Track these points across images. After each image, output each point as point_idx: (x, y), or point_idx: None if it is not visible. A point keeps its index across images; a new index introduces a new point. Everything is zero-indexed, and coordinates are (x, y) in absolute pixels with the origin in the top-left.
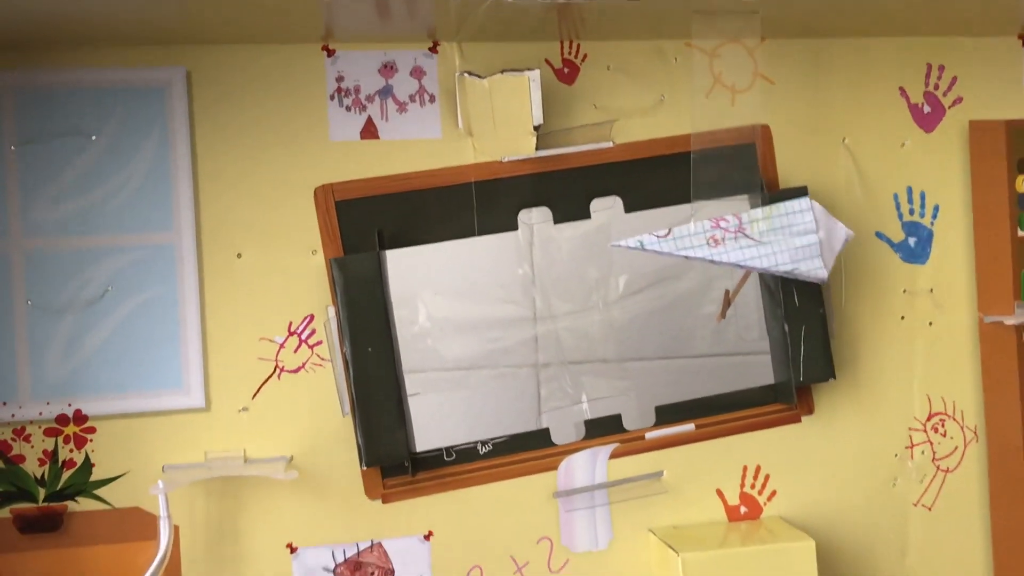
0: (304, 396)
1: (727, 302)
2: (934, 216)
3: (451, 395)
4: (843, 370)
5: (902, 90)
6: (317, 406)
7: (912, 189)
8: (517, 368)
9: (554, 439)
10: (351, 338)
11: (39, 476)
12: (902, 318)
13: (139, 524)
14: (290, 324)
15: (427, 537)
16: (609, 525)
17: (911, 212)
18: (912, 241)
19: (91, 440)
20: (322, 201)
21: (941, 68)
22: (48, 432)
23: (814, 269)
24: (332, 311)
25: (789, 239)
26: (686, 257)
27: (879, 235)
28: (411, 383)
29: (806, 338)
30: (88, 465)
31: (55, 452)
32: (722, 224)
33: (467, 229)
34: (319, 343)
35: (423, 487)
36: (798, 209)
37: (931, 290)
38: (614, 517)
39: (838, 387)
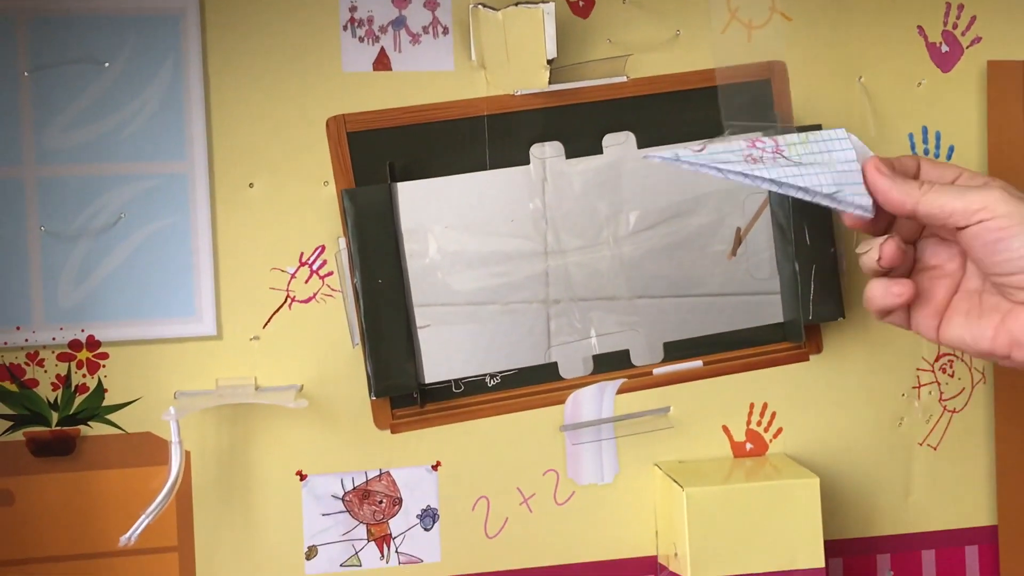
0: (314, 326)
1: (738, 240)
2: (949, 156)
3: (460, 328)
4: (853, 310)
5: (920, 29)
6: (327, 336)
7: (927, 129)
8: (526, 302)
9: (562, 373)
10: (361, 270)
11: (52, 400)
12: None
13: (151, 449)
14: (301, 255)
15: (435, 467)
16: (615, 459)
17: (926, 152)
18: None
19: (104, 366)
20: (334, 132)
21: (960, 7)
22: (61, 357)
23: (858, 196)
24: (343, 242)
25: (830, 163)
26: (722, 172)
27: None
28: (421, 315)
29: (816, 277)
30: (101, 390)
31: (68, 377)
32: (758, 144)
33: (479, 163)
34: (330, 274)
35: (431, 418)
36: (835, 137)
37: None
38: (620, 451)
39: (847, 326)
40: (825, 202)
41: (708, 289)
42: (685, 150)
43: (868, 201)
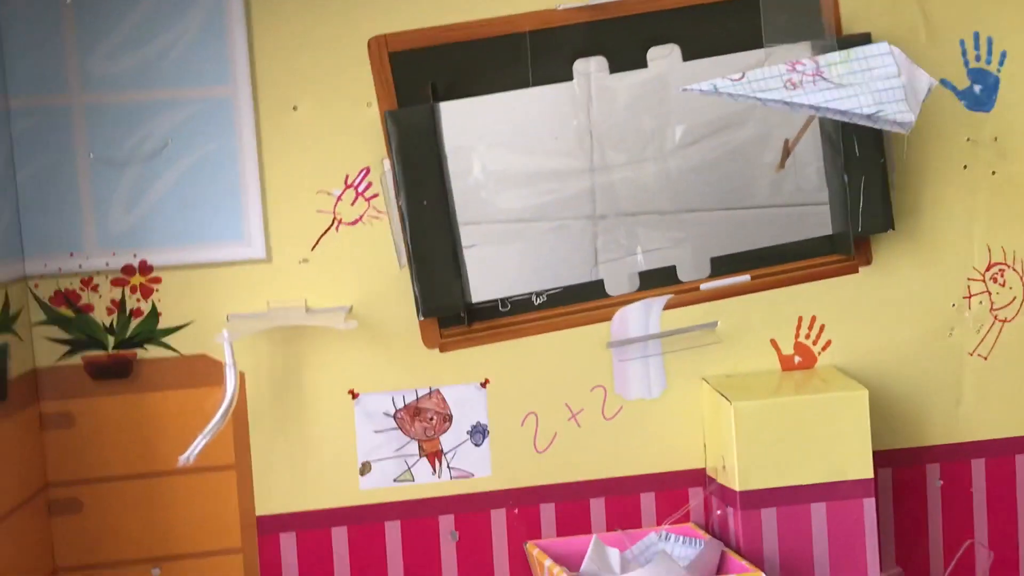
0: (362, 248)
1: (787, 152)
2: (1001, 63)
3: (506, 247)
4: (903, 221)
5: None
6: (375, 258)
7: (979, 35)
8: (572, 220)
9: (608, 291)
10: (406, 191)
11: (108, 325)
12: (964, 167)
13: (206, 371)
14: (347, 177)
15: (483, 384)
16: (662, 374)
17: (977, 59)
18: (977, 88)
19: (157, 290)
20: (376, 53)
21: None
22: (115, 282)
23: (899, 112)
24: (387, 164)
25: (871, 82)
26: (761, 100)
27: (943, 82)
28: (466, 235)
29: (866, 188)
30: (155, 314)
31: (122, 301)
32: (798, 68)
33: (521, 80)
34: (375, 196)
35: (479, 337)
36: (877, 53)
37: (995, 139)
38: (667, 366)
39: (897, 238)
40: (865, 122)
41: (756, 202)
42: (724, 80)
43: (909, 118)
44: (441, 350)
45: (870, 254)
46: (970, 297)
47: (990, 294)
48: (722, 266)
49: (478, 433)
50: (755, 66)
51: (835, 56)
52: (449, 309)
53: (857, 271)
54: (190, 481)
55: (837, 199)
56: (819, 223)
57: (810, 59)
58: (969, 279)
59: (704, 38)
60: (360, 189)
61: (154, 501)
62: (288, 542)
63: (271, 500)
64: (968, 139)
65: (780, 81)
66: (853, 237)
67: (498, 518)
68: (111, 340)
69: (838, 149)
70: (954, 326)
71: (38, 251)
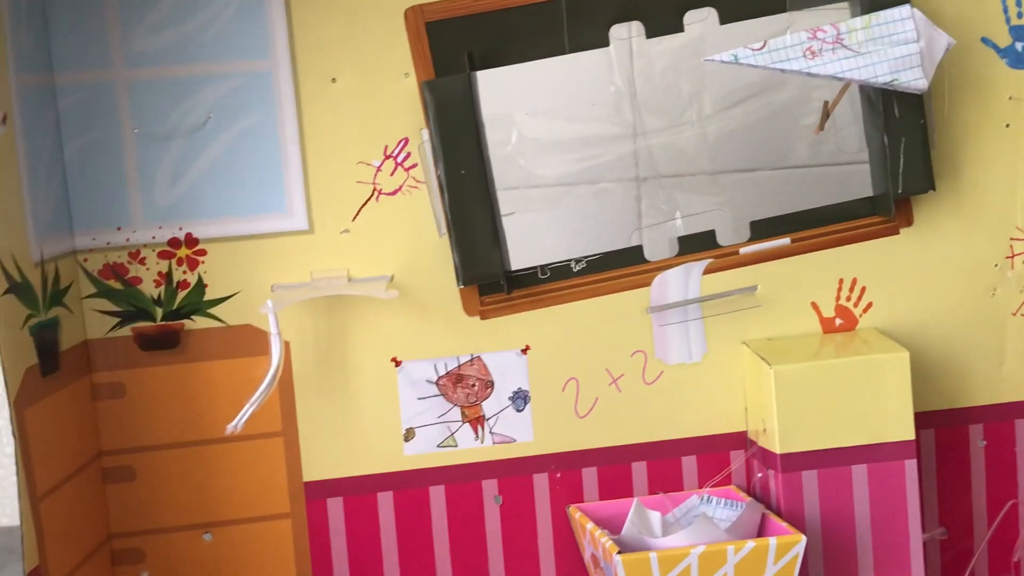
0: (402, 218)
1: (826, 114)
2: None
3: (544, 214)
4: (944, 181)
5: None
6: (414, 227)
7: None
8: (610, 186)
9: (647, 256)
10: (444, 160)
11: (155, 297)
12: (1007, 126)
13: (252, 340)
14: (386, 147)
15: (524, 351)
16: (703, 338)
17: (1019, 15)
18: (1020, 46)
19: (203, 262)
20: (412, 22)
21: None
22: (162, 255)
23: (914, 80)
24: (426, 134)
25: (888, 49)
26: (781, 70)
27: (984, 40)
28: (504, 203)
29: (906, 149)
30: (201, 286)
31: (169, 274)
32: (819, 35)
33: (558, 47)
34: (414, 166)
35: (519, 304)
36: (899, 17)
37: None
38: (707, 331)
39: (938, 198)
40: (883, 87)
41: (796, 165)
42: (744, 50)
43: (924, 84)
44: (481, 317)
45: (911, 215)
46: (1013, 257)
47: None
48: (762, 230)
49: (519, 399)
50: (794, 29)
51: (857, 22)
52: (489, 277)
53: (898, 232)
54: (238, 448)
55: (877, 160)
56: (859, 185)
57: (832, 25)
58: (1012, 239)
59: (742, 0)
60: (399, 159)
61: (204, 468)
62: (335, 507)
63: (318, 466)
64: (1010, 97)
65: (800, 50)
66: (894, 198)
67: (540, 482)
68: (159, 312)
69: (877, 110)
70: (997, 286)
71: (86, 225)
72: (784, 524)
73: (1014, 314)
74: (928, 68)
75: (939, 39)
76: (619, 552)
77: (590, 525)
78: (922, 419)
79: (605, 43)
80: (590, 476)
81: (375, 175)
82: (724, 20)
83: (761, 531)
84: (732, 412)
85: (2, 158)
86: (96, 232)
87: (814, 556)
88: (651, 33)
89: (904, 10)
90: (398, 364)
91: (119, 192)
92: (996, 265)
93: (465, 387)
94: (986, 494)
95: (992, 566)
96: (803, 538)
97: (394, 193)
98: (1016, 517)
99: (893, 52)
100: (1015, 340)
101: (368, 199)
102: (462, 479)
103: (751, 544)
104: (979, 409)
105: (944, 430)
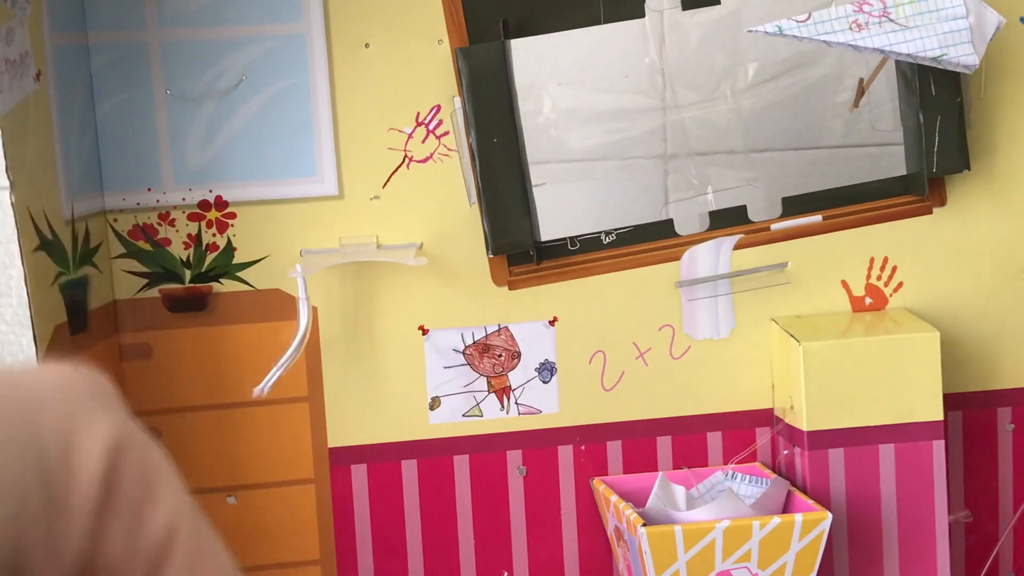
0: (432, 185)
1: (861, 91)
2: None
3: (575, 185)
4: (979, 161)
5: None
6: (445, 195)
7: None
8: (642, 159)
9: (678, 230)
10: (477, 129)
11: (185, 259)
12: None
13: (280, 305)
14: (418, 115)
15: (552, 322)
16: (731, 314)
17: None
18: None
19: (232, 225)
20: None
21: None
22: (191, 217)
23: (964, 56)
24: (458, 102)
25: (937, 24)
26: (826, 43)
27: (1023, 20)
28: (536, 174)
29: (941, 128)
30: (230, 249)
31: (199, 236)
32: (865, 8)
33: (593, 17)
34: (446, 134)
35: (547, 275)
36: None
37: None
38: (736, 306)
39: (972, 178)
40: (930, 63)
41: (829, 142)
42: (788, 22)
43: (974, 61)
44: (510, 288)
45: (944, 195)
46: None
47: None
48: (793, 206)
49: (546, 370)
50: (824, 5)
51: None
52: (518, 246)
53: (931, 212)
54: (264, 412)
55: (912, 139)
56: (893, 163)
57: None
58: None
59: None
60: (431, 127)
61: (229, 432)
62: (359, 474)
63: (343, 432)
64: None
65: (846, 23)
66: (928, 177)
67: (565, 454)
68: (188, 274)
69: (913, 88)
70: None
71: (117, 186)
72: (810, 501)
73: None
74: (979, 45)
75: (989, 16)
76: (644, 525)
77: (614, 498)
78: (950, 401)
79: (640, 14)
80: (615, 449)
81: (406, 142)
82: None
83: (786, 508)
84: (759, 389)
85: (35, 115)
86: (126, 193)
87: (838, 534)
88: (687, 5)
89: None
90: (425, 332)
91: (150, 153)
92: None
93: (492, 357)
94: (1013, 477)
95: (1017, 549)
96: (829, 515)
97: (425, 161)
98: None
99: (942, 27)
100: None
101: (399, 166)
102: (487, 449)
103: (777, 520)
104: (1008, 392)
105: (972, 412)
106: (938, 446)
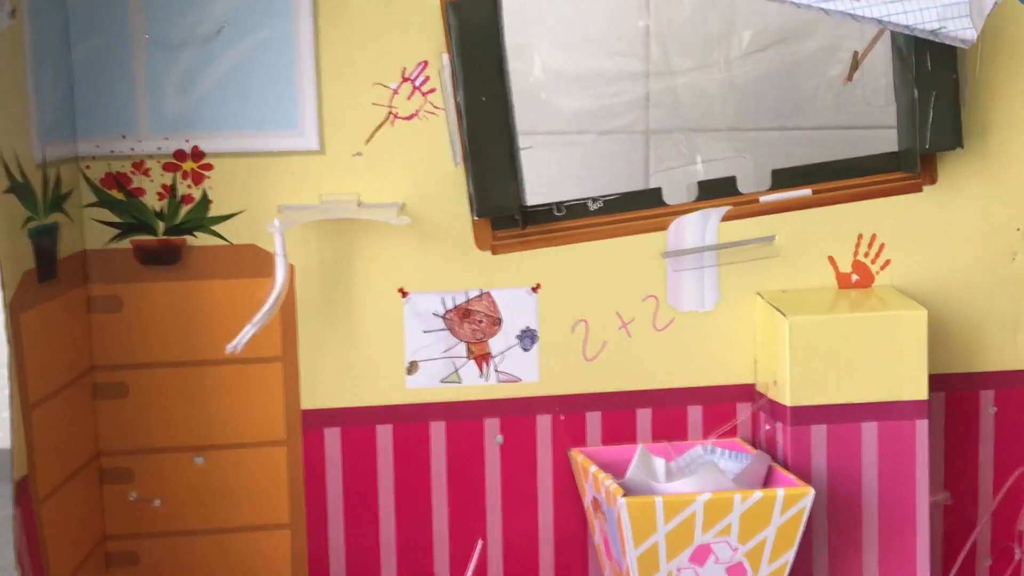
0: (417, 144)
1: (855, 64)
2: None
3: (563, 150)
4: (971, 139)
5: None
6: (429, 154)
7: None
8: (632, 124)
9: (666, 199)
10: (465, 87)
11: (158, 210)
12: None
13: (256, 261)
14: (404, 70)
15: (535, 289)
16: (716, 287)
17: None
18: None
19: (208, 177)
20: None
21: None
22: (167, 167)
23: (962, 29)
24: (446, 58)
25: None
26: (824, 11)
27: None
28: (523, 136)
29: (936, 104)
30: (206, 201)
31: (173, 187)
32: None
33: None
34: (432, 91)
35: (532, 240)
36: None
37: None
38: (722, 279)
39: (964, 157)
40: (928, 36)
41: (821, 115)
42: None
43: (972, 35)
44: (493, 252)
45: (935, 173)
46: None
47: None
48: (783, 179)
49: (527, 338)
50: None
51: None
52: (504, 209)
53: (921, 190)
54: (236, 372)
55: (905, 114)
56: (885, 139)
57: None
58: None
59: None
60: (417, 83)
61: (199, 390)
62: (332, 437)
63: (317, 394)
64: None
65: None
66: (920, 154)
67: (544, 424)
68: (161, 226)
69: (909, 64)
70: (1017, 251)
71: (90, 132)
72: (792, 476)
73: None
74: (977, 20)
75: None
76: (624, 495)
77: (593, 468)
78: (933, 382)
79: None
80: (594, 420)
81: (391, 98)
82: None
83: (767, 483)
84: (741, 363)
85: (9, 53)
86: (100, 139)
87: (818, 511)
88: None
89: None
90: (405, 295)
91: (126, 99)
92: (1018, 229)
93: (472, 323)
94: (994, 461)
95: (996, 534)
96: (811, 491)
97: (410, 118)
98: (1023, 486)
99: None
100: None
101: (383, 122)
102: (464, 416)
103: (758, 494)
104: (992, 375)
105: (955, 394)
106: (922, 425)
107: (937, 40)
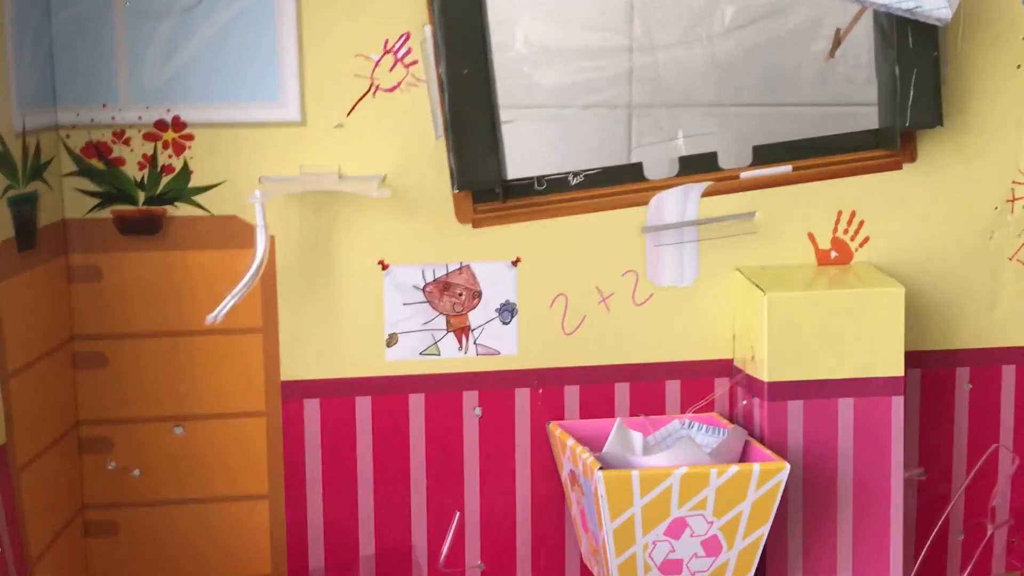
0: (398, 116)
1: (837, 41)
2: None
3: (545, 124)
4: (951, 118)
5: None
6: (411, 127)
7: None
8: (613, 99)
9: (647, 174)
10: (447, 59)
11: (139, 180)
12: (1018, 67)
13: (236, 232)
14: (386, 42)
15: (515, 263)
16: (696, 262)
17: None
18: None
19: (189, 147)
20: None
21: None
22: (147, 137)
23: (936, 9)
24: (429, 30)
25: None
26: None
27: None
28: (505, 110)
29: (917, 82)
30: (186, 172)
31: (154, 157)
32: None
33: None
34: (415, 63)
35: (513, 214)
36: None
37: None
38: (702, 255)
39: (944, 135)
40: (904, 15)
41: (803, 91)
42: None
43: (948, 14)
44: (474, 226)
45: (915, 151)
46: (1014, 200)
47: None
48: (764, 155)
49: (507, 311)
50: None
51: None
52: (485, 183)
53: (900, 168)
54: (216, 342)
55: (886, 92)
56: (865, 117)
57: None
58: (1014, 182)
59: None
60: (400, 55)
61: (179, 360)
62: (312, 408)
63: (296, 366)
64: (1023, 38)
65: None
66: (900, 131)
67: (522, 397)
68: (141, 196)
69: (891, 41)
70: (995, 229)
71: (71, 100)
72: (767, 451)
73: (1010, 259)
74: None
75: None
76: (601, 468)
77: (571, 441)
78: (910, 358)
79: None
80: (572, 394)
81: (373, 69)
82: None
83: (744, 457)
84: (720, 339)
85: None
86: (80, 108)
87: (794, 486)
88: None
89: None
90: (385, 267)
91: (106, 68)
92: (996, 208)
93: (452, 296)
94: (968, 438)
95: (968, 510)
96: (787, 466)
97: (392, 90)
98: (996, 463)
99: None
100: (1009, 285)
101: (364, 94)
102: (443, 388)
103: (734, 468)
104: (967, 352)
105: (931, 370)
106: (897, 402)
107: (913, 19)
